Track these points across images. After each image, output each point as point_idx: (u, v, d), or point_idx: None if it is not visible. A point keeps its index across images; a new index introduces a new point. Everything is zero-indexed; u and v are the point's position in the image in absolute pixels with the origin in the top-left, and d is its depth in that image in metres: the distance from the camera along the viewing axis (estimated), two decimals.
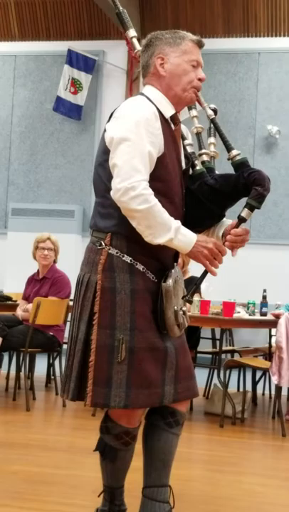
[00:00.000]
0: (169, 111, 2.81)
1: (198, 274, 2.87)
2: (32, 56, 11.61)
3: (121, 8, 3.17)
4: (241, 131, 10.63)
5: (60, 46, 11.26)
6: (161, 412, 2.87)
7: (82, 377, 2.72)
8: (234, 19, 10.81)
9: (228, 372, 6.07)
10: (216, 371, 6.42)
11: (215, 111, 3.12)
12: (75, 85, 11.07)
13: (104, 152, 2.73)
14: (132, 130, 2.63)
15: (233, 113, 10.68)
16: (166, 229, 2.62)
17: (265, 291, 7.19)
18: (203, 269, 2.76)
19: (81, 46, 11.15)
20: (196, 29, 10.37)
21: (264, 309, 6.92)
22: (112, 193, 2.63)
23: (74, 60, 11.04)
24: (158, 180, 2.69)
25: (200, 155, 3.06)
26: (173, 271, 2.79)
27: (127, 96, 10.60)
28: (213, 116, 3.03)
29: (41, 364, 7.28)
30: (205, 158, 3.05)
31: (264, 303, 7.05)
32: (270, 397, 7.21)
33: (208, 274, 2.78)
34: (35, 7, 11.46)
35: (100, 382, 2.67)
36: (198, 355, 6.83)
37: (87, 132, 11.30)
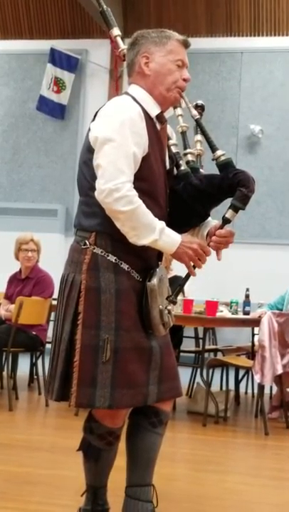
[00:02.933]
0: (154, 110, 2.81)
1: (182, 273, 2.87)
2: (14, 55, 11.56)
3: (105, 7, 3.17)
4: (224, 130, 10.65)
5: (43, 45, 11.22)
6: (144, 412, 2.87)
7: (66, 378, 2.71)
8: (217, 19, 10.82)
9: (211, 371, 6.08)
10: (198, 370, 6.42)
11: (202, 107, 3.12)
12: (58, 84, 11.04)
13: (89, 151, 2.72)
14: (117, 130, 2.63)
15: (216, 112, 10.69)
16: (150, 230, 2.62)
17: (247, 290, 7.20)
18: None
19: (64, 45, 11.13)
20: (179, 29, 10.26)
21: (247, 308, 6.93)
22: (96, 194, 2.63)
23: (57, 59, 11.01)
24: (142, 180, 2.68)
25: (185, 154, 3.05)
26: (157, 270, 2.78)
27: (110, 95, 10.59)
28: (198, 116, 3.03)
29: (24, 364, 7.26)
30: (190, 158, 3.05)
31: (247, 302, 7.06)
32: (253, 395, 7.23)
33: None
34: (18, 6, 11.42)
35: (84, 383, 2.66)
36: (181, 354, 6.84)
37: (70, 131, 11.28)
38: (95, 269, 2.71)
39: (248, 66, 10.77)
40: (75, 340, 2.70)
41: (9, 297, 6.57)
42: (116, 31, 3.17)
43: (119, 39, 3.16)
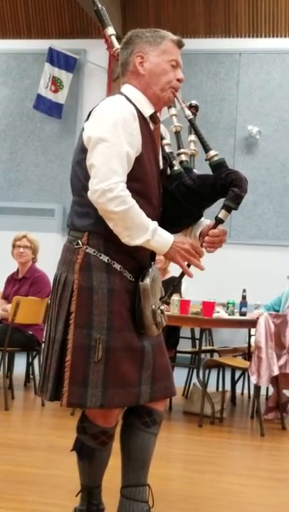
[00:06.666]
0: (148, 110, 2.81)
1: (178, 275, 2.87)
2: (13, 54, 11.56)
3: (99, 6, 3.17)
4: (222, 131, 10.66)
5: (41, 44, 11.21)
6: (137, 412, 2.87)
7: (60, 377, 2.71)
8: (215, 19, 10.82)
9: (207, 371, 6.08)
10: (195, 371, 6.42)
11: (196, 107, 3.12)
12: (56, 84, 11.04)
13: (82, 151, 2.72)
14: (110, 130, 2.63)
15: (214, 113, 10.70)
16: (143, 230, 2.62)
17: (244, 291, 7.21)
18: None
19: (62, 45, 11.12)
20: (178, 29, 10.31)
21: (243, 309, 6.93)
22: (89, 194, 2.63)
23: (55, 58, 11.01)
24: (135, 180, 2.68)
25: (178, 154, 3.05)
26: (150, 270, 2.78)
27: (107, 95, 10.58)
28: (191, 116, 3.03)
29: (20, 363, 7.26)
30: (183, 158, 3.05)
31: (243, 303, 7.07)
32: (249, 396, 7.23)
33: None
34: (16, 5, 11.41)
35: (76, 382, 2.66)
36: (178, 354, 6.84)
37: (67, 131, 11.27)
38: (88, 269, 2.71)
39: (246, 67, 10.78)
40: (67, 340, 2.70)
41: (6, 297, 6.58)
42: (111, 30, 3.17)
43: (113, 38, 3.16)
